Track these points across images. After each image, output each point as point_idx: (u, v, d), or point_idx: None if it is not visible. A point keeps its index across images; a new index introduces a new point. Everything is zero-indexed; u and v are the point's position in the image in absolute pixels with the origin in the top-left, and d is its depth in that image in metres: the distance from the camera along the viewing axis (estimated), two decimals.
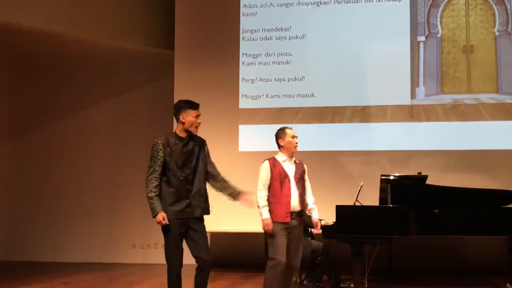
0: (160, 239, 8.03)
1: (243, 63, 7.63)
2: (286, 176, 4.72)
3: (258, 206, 4.70)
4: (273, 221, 4.64)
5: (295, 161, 4.83)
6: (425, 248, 7.22)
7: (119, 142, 8.58)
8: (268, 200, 4.68)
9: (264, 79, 7.57)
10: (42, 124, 8.85)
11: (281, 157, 4.80)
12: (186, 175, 4.40)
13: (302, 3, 7.56)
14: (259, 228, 6.22)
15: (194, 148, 4.51)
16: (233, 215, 7.26)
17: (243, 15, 7.70)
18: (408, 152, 7.13)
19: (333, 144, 7.33)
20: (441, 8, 7.28)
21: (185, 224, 4.46)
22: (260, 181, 4.73)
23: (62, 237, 8.57)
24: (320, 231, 5.25)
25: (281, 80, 7.52)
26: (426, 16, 7.28)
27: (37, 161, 8.81)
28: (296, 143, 4.81)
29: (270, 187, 4.70)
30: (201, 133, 7.54)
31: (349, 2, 7.47)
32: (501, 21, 7.15)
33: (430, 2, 7.29)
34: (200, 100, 7.48)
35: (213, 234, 8.00)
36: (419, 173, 6.09)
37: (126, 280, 6.99)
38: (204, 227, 4.59)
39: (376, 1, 7.42)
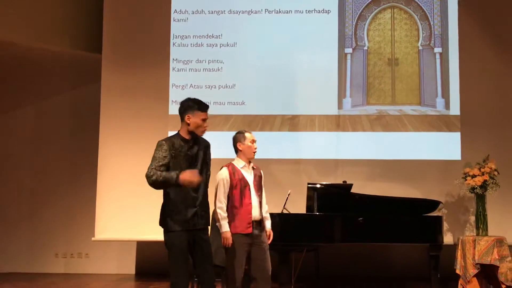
0: (84, 248, 8.00)
1: (173, 69, 7.56)
2: (246, 184, 4.48)
3: (217, 219, 4.42)
4: (234, 233, 4.39)
5: (252, 167, 4.61)
6: (351, 256, 7.37)
7: (43, 148, 8.27)
8: (227, 210, 4.42)
9: (194, 85, 7.52)
10: None
11: (239, 163, 4.56)
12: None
13: (233, 11, 7.58)
14: None
15: (199, 152, 4.10)
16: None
17: (174, 20, 7.63)
18: (334, 161, 7.27)
19: (263, 152, 7.24)
20: (368, 21, 7.50)
21: (192, 235, 4.01)
22: (220, 191, 4.43)
23: None
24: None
25: (212, 87, 7.50)
26: (353, 28, 7.48)
27: None
28: (256, 148, 4.59)
29: (229, 196, 4.45)
30: (129, 139, 7.45)
31: (280, 12, 7.56)
32: (424, 36, 7.44)
33: (357, 15, 7.49)
34: (128, 105, 7.51)
35: (140, 243, 7.86)
36: (345, 181, 6.23)
37: None
38: (209, 238, 4.17)
39: (306, 12, 7.54)
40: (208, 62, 7.54)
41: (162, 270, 7.56)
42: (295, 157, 7.29)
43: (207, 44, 7.57)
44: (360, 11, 7.49)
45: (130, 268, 7.98)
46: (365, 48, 7.46)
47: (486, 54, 7.30)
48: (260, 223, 4.56)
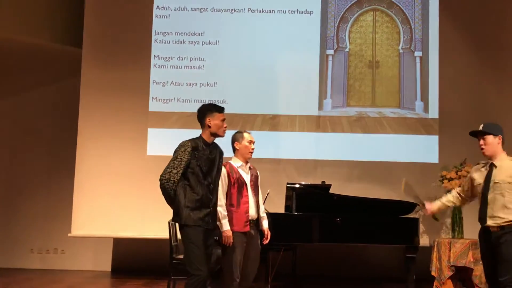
0: (60, 244, 7.92)
1: (154, 65, 7.51)
2: (244, 183, 4.56)
3: (218, 218, 4.41)
4: (233, 232, 4.44)
5: (249, 167, 4.68)
6: (328, 256, 7.41)
7: (20, 142, 8.16)
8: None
9: (175, 82, 7.49)
10: None
11: (236, 162, 4.63)
12: (208, 183, 4.19)
13: (216, 9, 7.57)
14: (163, 234, 6.16)
15: (216, 157, 4.32)
16: (137, 220, 7.14)
17: (156, 16, 7.58)
18: (314, 161, 7.30)
19: None
20: (350, 23, 7.54)
21: (205, 234, 4.18)
22: (220, 190, 4.45)
23: None
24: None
25: (193, 84, 7.48)
26: (335, 30, 7.52)
27: None
28: (253, 148, 4.66)
29: (227, 195, 4.51)
30: (108, 135, 7.39)
31: (263, 11, 7.57)
32: (405, 39, 7.51)
33: (340, 17, 7.53)
34: (108, 101, 7.45)
35: (117, 240, 7.81)
36: (323, 182, 6.26)
37: (23, 287, 6.64)
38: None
39: (289, 13, 7.56)
40: (190, 60, 7.51)
41: (138, 267, 7.57)
42: (275, 156, 7.30)
43: (189, 42, 7.55)
44: (342, 13, 7.54)
45: (106, 265, 7.92)
46: (347, 50, 7.50)
47: (465, 58, 7.40)
48: (256, 222, 4.61)
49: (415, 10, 7.51)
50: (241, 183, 4.55)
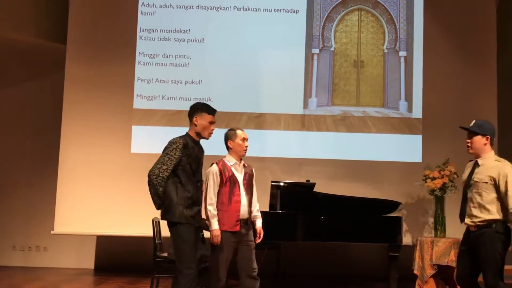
0: (43, 241, 7.85)
1: (139, 62, 7.48)
2: (236, 181, 4.48)
3: (207, 217, 4.41)
4: (221, 231, 4.38)
5: (243, 165, 4.61)
6: (313, 254, 7.43)
7: (2, 138, 8.06)
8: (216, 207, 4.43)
9: (160, 80, 7.46)
10: None
11: (230, 160, 4.55)
12: (197, 181, 4.21)
13: (202, 6, 7.54)
14: (147, 232, 6.14)
15: (201, 155, 4.37)
16: (120, 218, 7.11)
17: (141, 13, 7.54)
18: (298, 159, 7.32)
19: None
20: (335, 22, 7.56)
21: (196, 232, 4.20)
22: (210, 188, 4.42)
23: None
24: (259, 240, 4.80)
25: (178, 82, 7.45)
26: (321, 29, 7.54)
27: None
28: (246, 146, 4.59)
29: (218, 193, 4.44)
30: (92, 132, 7.34)
31: (249, 9, 7.56)
32: (390, 39, 7.55)
33: (325, 16, 7.55)
34: (92, 98, 7.39)
35: (100, 237, 7.77)
36: (308, 180, 6.28)
37: (4, 284, 6.58)
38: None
39: (275, 11, 7.56)
40: (175, 57, 7.49)
41: (121, 265, 7.53)
42: (260, 155, 7.29)
43: (174, 39, 7.52)
44: (328, 12, 7.56)
45: (89, 262, 7.87)
46: (332, 49, 7.53)
47: (449, 59, 7.47)
48: (247, 222, 4.55)
49: (400, 10, 7.56)
50: (233, 182, 4.47)
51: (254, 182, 4.69)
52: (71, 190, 7.22)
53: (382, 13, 7.57)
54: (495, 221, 4.09)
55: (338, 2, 7.57)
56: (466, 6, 7.54)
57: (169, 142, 4.22)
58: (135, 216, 6.98)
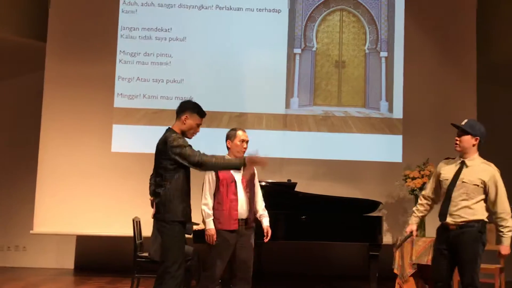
0: (22, 241, 7.77)
1: (120, 61, 7.43)
2: (233, 180, 4.46)
3: (203, 216, 4.42)
4: (219, 230, 4.35)
5: None
6: (294, 254, 7.45)
7: None
8: (213, 206, 4.41)
9: (141, 78, 7.42)
10: None
11: None
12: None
13: (184, 5, 7.52)
14: (127, 232, 6.10)
15: None
16: (100, 218, 7.06)
17: (123, 11, 7.49)
18: (280, 159, 7.33)
19: (210, 149, 7.23)
20: (317, 22, 7.59)
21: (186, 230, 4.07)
22: (205, 188, 4.43)
23: None
24: (267, 239, 4.71)
25: (159, 81, 7.42)
26: (303, 29, 7.56)
27: None
28: (245, 147, 4.57)
29: (215, 192, 4.43)
30: (72, 131, 7.27)
31: (231, 8, 7.55)
32: (371, 40, 7.60)
33: (307, 16, 7.57)
34: (72, 96, 7.33)
35: (80, 237, 7.70)
36: (289, 180, 6.29)
37: None
38: None
39: (257, 11, 7.57)
40: (157, 56, 7.45)
41: (101, 265, 7.48)
42: None
43: (155, 37, 7.48)
44: (310, 12, 7.58)
45: (69, 262, 7.81)
46: (314, 49, 7.55)
47: (429, 60, 7.54)
48: (247, 221, 4.49)
49: (381, 11, 7.61)
50: (230, 181, 4.45)
51: (257, 182, 4.65)
52: (51, 189, 7.16)
53: (363, 13, 7.61)
54: (477, 221, 4.07)
55: (320, 2, 7.60)
56: (446, 7, 7.61)
57: (173, 138, 4.01)
58: (116, 216, 6.94)
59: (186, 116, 4.14)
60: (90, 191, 7.15)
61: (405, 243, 6.16)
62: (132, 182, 6.86)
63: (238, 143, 4.56)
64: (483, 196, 4.08)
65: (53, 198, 7.13)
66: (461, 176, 4.11)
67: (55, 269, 7.67)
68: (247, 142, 4.62)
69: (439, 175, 4.28)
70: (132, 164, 7.05)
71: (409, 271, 6.07)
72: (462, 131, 4.16)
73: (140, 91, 7.39)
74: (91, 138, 7.27)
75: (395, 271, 6.21)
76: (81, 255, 7.82)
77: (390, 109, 7.46)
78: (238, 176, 4.50)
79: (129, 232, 5.74)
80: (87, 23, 7.44)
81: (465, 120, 4.21)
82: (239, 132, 4.61)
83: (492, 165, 4.16)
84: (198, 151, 4.02)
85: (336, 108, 7.46)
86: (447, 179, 4.19)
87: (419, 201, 4.46)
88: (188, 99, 7.16)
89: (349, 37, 7.60)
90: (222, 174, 4.44)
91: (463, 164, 4.16)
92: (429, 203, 4.40)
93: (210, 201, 4.42)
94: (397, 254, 6.25)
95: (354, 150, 7.37)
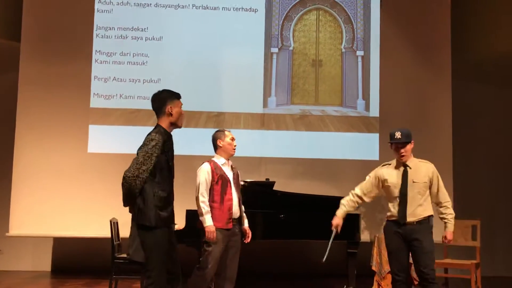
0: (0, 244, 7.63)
1: (96, 60, 7.36)
2: (227, 180, 4.54)
3: (201, 213, 4.41)
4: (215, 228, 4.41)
5: (231, 166, 4.67)
6: (273, 253, 7.47)
7: None
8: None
9: (118, 78, 7.36)
10: None
11: (219, 160, 4.61)
12: (172, 177, 3.88)
13: (160, 4, 7.48)
14: (104, 233, 6.05)
15: (172, 148, 3.98)
16: (77, 219, 6.99)
17: (98, 11, 7.42)
18: (258, 158, 7.34)
19: (187, 148, 7.29)
20: (294, 22, 7.61)
21: (169, 233, 3.85)
22: (201, 186, 4.45)
23: None
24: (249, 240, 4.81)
25: (136, 81, 7.37)
26: (280, 28, 7.58)
27: None
28: (235, 145, 4.67)
29: (210, 191, 4.49)
30: (47, 132, 7.18)
31: (207, 8, 7.53)
32: (347, 39, 7.65)
33: (284, 16, 7.59)
34: (47, 97, 7.25)
35: (57, 239, 7.62)
36: (267, 179, 6.30)
37: None
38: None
39: (234, 10, 7.56)
40: (133, 55, 7.40)
41: (78, 267, 7.41)
42: None
43: (132, 37, 7.43)
44: (286, 11, 7.60)
45: (46, 265, 7.72)
46: (291, 48, 7.58)
47: (405, 58, 7.62)
48: (239, 220, 4.60)
49: (357, 10, 7.67)
50: (225, 181, 4.53)
51: (240, 182, 4.76)
52: (27, 191, 7.06)
53: (340, 13, 7.66)
54: (430, 216, 4.46)
55: (296, 1, 7.63)
56: (421, 6, 7.70)
57: (147, 139, 3.79)
58: (93, 217, 6.88)
59: (170, 107, 3.89)
60: (67, 192, 7.08)
61: (382, 241, 6.22)
62: (109, 183, 6.78)
63: (230, 141, 4.67)
64: (428, 191, 4.48)
65: (29, 200, 7.04)
66: (410, 177, 4.48)
67: (32, 272, 7.58)
68: (235, 140, 4.74)
69: (384, 180, 4.63)
70: (109, 164, 6.99)
71: (387, 268, 6.13)
72: (404, 143, 4.54)
73: (117, 91, 7.34)
74: (67, 138, 7.19)
75: (373, 268, 6.27)
76: (58, 257, 7.74)
77: (367, 108, 7.52)
78: (231, 176, 4.60)
79: (106, 233, 5.69)
80: (62, 22, 7.36)
81: (398, 132, 4.59)
82: (227, 132, 4.73)
83: (428, 161, 4.61)
84: (146, 172, 3.70)
85: (314, 107, 7.50)
86: (394, 184, 4.53)
87: (351, 197, 4.79)
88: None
89: (325, 36, 7.64)
90: (217, 173, 4.51)
91: (406, 166, 4.54)
92: (360, 201, 4.81)
93: (207, 199, 4.46)
94: (374, 251, 6.31)
95: (332, 149, 7.42)
